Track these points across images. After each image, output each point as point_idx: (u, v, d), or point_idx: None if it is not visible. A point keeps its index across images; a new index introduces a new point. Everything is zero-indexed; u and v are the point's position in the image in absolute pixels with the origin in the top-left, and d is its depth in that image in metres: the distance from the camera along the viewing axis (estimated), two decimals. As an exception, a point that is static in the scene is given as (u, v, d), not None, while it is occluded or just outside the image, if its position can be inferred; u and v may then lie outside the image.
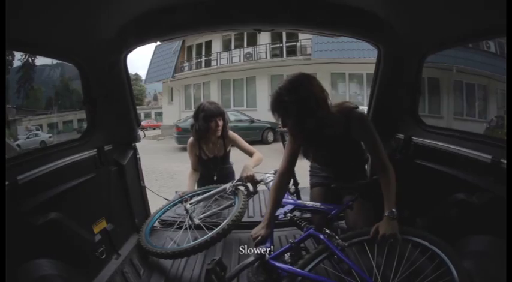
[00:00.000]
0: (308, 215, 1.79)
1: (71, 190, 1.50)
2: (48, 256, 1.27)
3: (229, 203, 2.00)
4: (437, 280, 1.17)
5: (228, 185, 1.98)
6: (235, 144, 2.28)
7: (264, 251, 1.37)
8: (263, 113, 11.98)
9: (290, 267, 1.33)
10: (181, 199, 2.12)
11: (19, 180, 1.21)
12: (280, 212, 1.63)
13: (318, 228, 1.46)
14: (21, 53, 1.55)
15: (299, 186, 2.15)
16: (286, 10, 1.62)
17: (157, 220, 2.15)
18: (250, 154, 2.23)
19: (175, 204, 2.14)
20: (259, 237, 1.42)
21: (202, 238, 1.67)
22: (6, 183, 1.12)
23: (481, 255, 1.22)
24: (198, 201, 2.06)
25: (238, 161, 2.53)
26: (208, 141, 2.24)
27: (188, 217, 1.96)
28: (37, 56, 1.63)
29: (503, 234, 1.01)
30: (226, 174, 2.33)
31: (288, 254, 1.42)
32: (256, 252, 1.38)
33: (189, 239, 1.80)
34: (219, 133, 2.18)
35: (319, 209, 1.66)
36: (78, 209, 1.56)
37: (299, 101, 1.30)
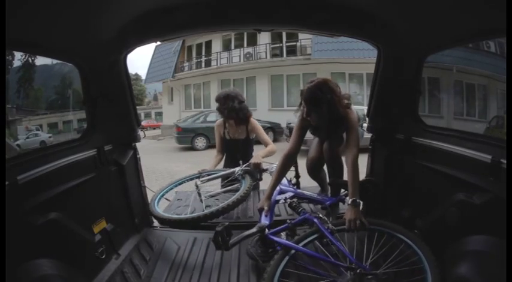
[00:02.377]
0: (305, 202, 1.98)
1: (71, 190, 1.50)
2: (48, 256, 1.27)
3: (236, 185, 2.17)
4: (406, 260, 1.38)
5: (237, 169, 2.19)
6: (255, 132, 2.47)
7: (265, 225, 1.59)
8: (263, 113, 11.98)
9: (286, 241, 1.52)
10: (200, 175, 2.28)
11: (19, 180, 1.21)
12: (281, 197, 1.86)
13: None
14: (21, 53, 1.54)
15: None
16: (286, 10, 1.62)
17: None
18: (266, 145, 2.42)
19: (192, 179, 2.30)
20: (265, 208, 1.70)
21: (213, 208, 1.84)
22: (6, 183, 1.12)
23: (481, 255, 1.22)
24: (208, 180, 2.25)
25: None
26: (229, 122, 2.48)
27: (196, 192, 2.16)
28: (37, 56, 1.63)
29: (503, 234, 1.01)
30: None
31: (285, 233, 1.62)
32: (258, 225, 1.59)
33: (196, 211, 1.96)
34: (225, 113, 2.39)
35: (315, 198, 1.91)
36: (78, 209, 1.56)
37: (327, 99, 1.64)
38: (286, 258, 1.44)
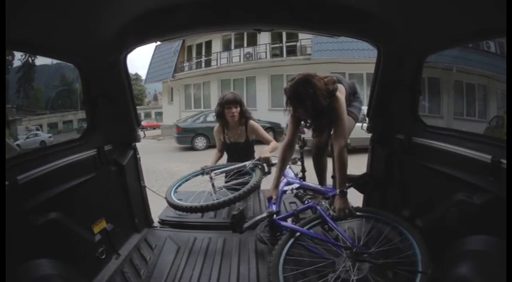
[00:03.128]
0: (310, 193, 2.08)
1: (71, 190, 1.50)
2: (48, 256, 1.27)
3: (246, 178, 2.27)
4: (395, 239, 1.59)
5: (248, 162, 2.30)
6: (255, 133, 2.50)
7: (274, 211, 1.78)
8: (263, 113, 11.97)
9: (292, 225, 1.69)
10: (203, 171, 2.35)
11: (19, 180, 1.21)
12: (288, 188, 2.01)
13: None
14: (21, 53, 1.54)
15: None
16: (286, 10, 1.62)
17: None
18: (268, 143, 2.46)
19: (197, 175, 2.39)
20: (274, 196, 1.87)
21: (227, 197, 1.95)
22: (6, 183, 1.12)
23: (481, 255, 1.22)
24: (222, 172, 2.36)
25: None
26: (229, 126, 2.48)
27: (211, 183, 2.29)
28: (37, 56, 1.63)
29: (503, 234, 1.01)
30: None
31: (291, 219, 1.78)
32: (268, 210, 1.79)
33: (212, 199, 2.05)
34: (235, 119, 2.40)
35: (319, 189, 2.03)
36: (78, 209, 1.56)
37: (310, 94, 1.66)
38: (292, 239, 1.59)
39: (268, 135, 2.54)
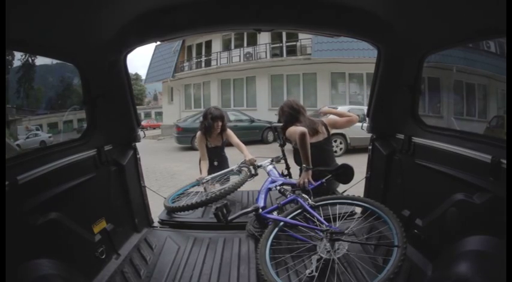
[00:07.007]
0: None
1: (71, 190, 1.50)
2: (48, 256, 1.27)
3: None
4: (369, 217, 1.80)
5: (234, 167, 2.64)
6: (229, 138, 2.91)
7: (259, 206, 1.97)
8: (263, 113, 11.97)
9: (276, 216, 1.92)
10: (198, 183, 2.68)
11: (19, 180, 1.21)
12: (273, 185, 2.23)
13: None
14: (21, 53, 1.54)
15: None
16: (286, 10, 1.62)
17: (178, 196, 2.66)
18: (239, 147, 2.80)
19: (193, 186, 2.72)
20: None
21: (216, 192, 2.24)
22: (6, 183, 1.12)
23: (481, 255, 1.22)
24: (212, 178, 2.67)
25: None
26: (211, 135, 2.88)
27: (203, 188, 2.61)
28: (37, 56, 1.63)
29: (503, 234, 1.01)
30: (224, 160, 3.02)
31: (276, 212, 1.99)
32: (253, 205, 1.96)
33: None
34: (219, 130, 2.86)
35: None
36: (78, 209, 1.56)
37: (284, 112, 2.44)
38: (276, 229, 1.78)
39: (239, 141, 2.87)
